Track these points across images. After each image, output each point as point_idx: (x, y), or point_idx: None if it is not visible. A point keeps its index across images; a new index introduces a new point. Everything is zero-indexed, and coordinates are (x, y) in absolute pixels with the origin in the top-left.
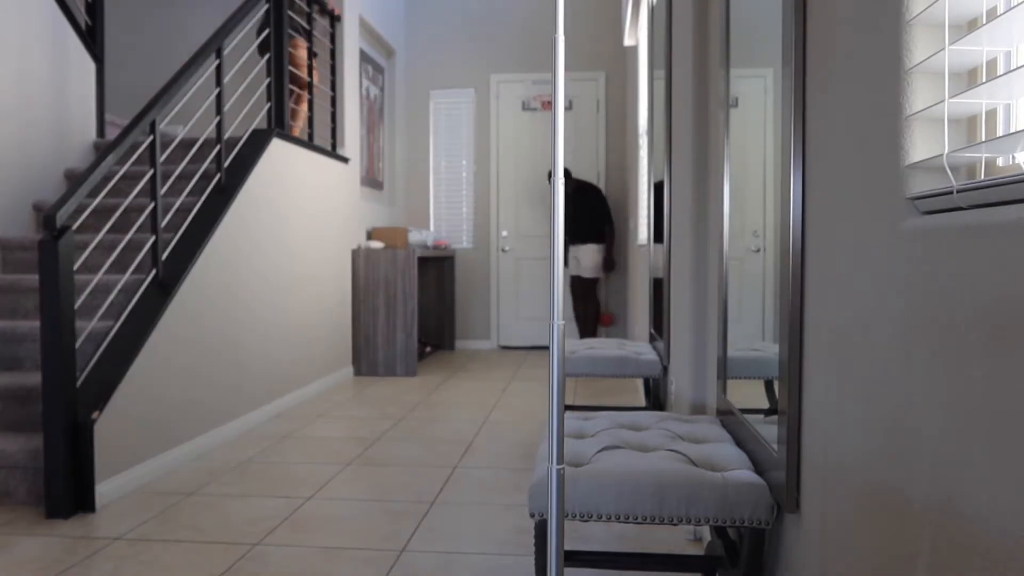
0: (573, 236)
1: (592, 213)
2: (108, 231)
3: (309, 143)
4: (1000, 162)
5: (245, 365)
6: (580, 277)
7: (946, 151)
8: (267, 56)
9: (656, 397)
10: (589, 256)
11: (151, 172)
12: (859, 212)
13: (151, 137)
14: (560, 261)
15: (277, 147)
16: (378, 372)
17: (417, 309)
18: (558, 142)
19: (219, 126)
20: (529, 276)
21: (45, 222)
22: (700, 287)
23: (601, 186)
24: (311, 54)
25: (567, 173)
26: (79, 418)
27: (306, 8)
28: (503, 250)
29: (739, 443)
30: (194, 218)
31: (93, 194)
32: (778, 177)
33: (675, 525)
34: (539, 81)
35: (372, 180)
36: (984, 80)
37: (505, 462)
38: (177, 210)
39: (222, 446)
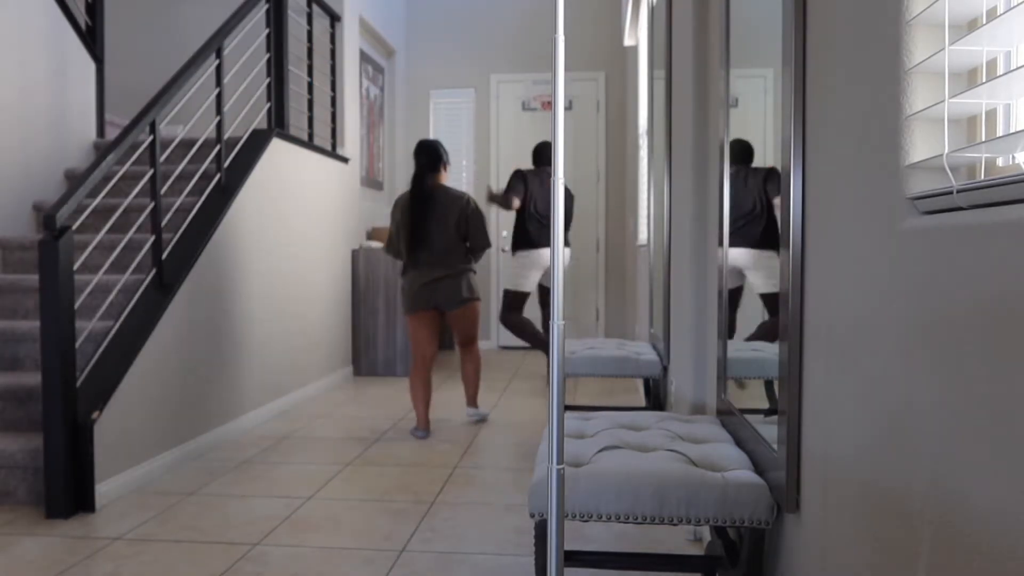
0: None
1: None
2: (108, 231)
3: (309, 143)
4: (1000, 162)
5: (245, 365)
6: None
7: (946, 151)
8: (267, 56)
9: (656, 397)
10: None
11: (151, 172)
12: (859, 212)
13: (151, 137)
14: (560, 261)
15: (277, 147)
16: (378, 372)
17: None
18: (558, 142)
19: (219, 126)
20: None
21: (45, 222)
22: (700, 287)
23: (601, 186)
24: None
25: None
26: (79, 418)
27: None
28: (503, 250)
29: (739, 443)
30: (194, 218)
31: (93, 194)
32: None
33: (675, 525)
34: (539, 81)
35: (372, 180)
36: (984, 80)
37: (505, 462)
38: (177, 210)
39: (222, 446)
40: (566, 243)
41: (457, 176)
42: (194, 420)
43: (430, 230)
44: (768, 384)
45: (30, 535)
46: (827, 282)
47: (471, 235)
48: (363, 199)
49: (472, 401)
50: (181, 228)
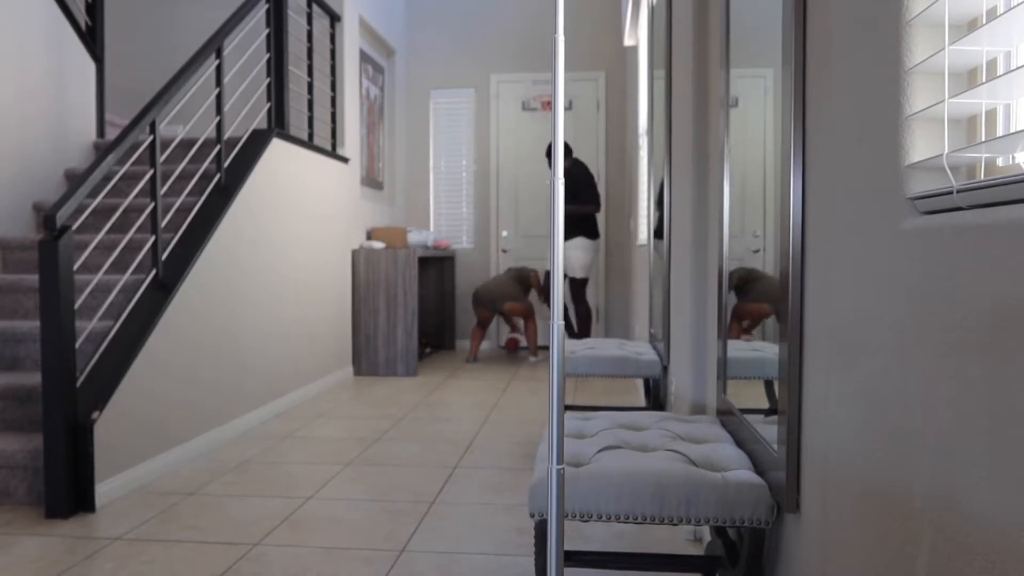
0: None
1: (575, 200)
2: (108, 231)
3: (309, 143)
4: (1000, 162)
5: (245, 365)
6: (569, 278)
7: (946, 151)
8: (267, 56)
9: (656, 397)
10: (577, 253)
11: (151, 172)
12: (859, 212)
13: (151, 137)
14: (560, 261)
15: (277, 147)
16: (378, 372)
17: (417, 309)
18: (558, 142)
19: (219, 126)
20: None
21: (45, 222)
22: (700, 287)
23: (601, 186)
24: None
25: (567, 150)
26: (79, 418)
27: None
28: (503, 250)
29: (739, 443)
30: (194, 218)
31: (93, 194)
32: (778, 177)
33: (675, 525)
34: (539, 81)
35: (372, 180)
36: (984, 80)
37: (505, 462)
38: (177, 210)
39: (222, 446)
40: (595, 234)
41: (457, 177)
42: (194, 420)
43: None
44: (768, 384)
45: (30, 535)
46: (827, 282)
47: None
48: (363, 199)
49: (533, 352)
50: (181, 228)
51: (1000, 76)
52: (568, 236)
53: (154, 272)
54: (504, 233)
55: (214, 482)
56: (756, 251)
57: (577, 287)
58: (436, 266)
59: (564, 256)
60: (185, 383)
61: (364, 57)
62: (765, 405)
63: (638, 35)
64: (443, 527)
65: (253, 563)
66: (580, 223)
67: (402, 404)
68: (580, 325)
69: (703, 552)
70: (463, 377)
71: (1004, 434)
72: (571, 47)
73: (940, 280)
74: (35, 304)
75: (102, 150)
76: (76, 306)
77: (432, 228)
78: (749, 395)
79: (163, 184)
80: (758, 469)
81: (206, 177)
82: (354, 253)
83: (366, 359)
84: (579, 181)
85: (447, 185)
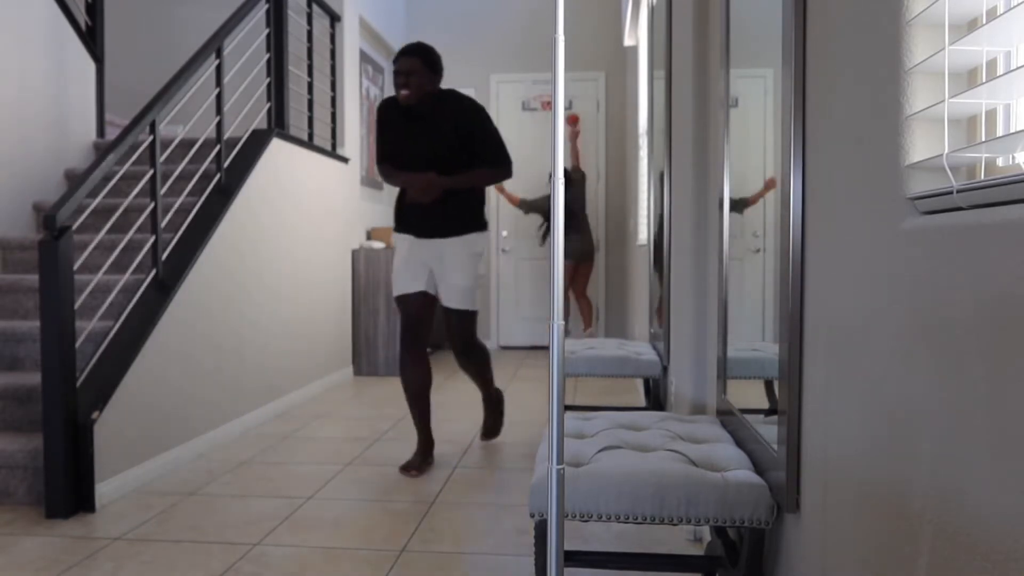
0: (433, 226)
1: (479, 162)
2: (108, 231)
3: (309, 143)
4: (1000, 162)
5: (245, 365)
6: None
7: (946, 151)
8: (267, 56)
9: (656, 397)
10: (464, 261)
11: (151, 172)
12: (859, 212)
13: (151, 137)
14: (560, 261)
15: (277, 147)
16: (378, 372)
17: None
18: (558, 142)
19: (219, 126)
20: (529, 276)
21: (45, 222)
22: (700, 287)
23: (601, 186)
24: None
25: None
26: (79, 418)
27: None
28: (503, 250)
29: (739, 443)
30: (194, 218)
31: (93, 194)
32: (778, 176)
33: (675, 525)
34: (539, 81)
35: (372, 180)
36: (984, 80)
37: (505, 462)
38: (177, 210)
39: (222, 446)
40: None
41: None
42: (194, 420)
43: None
44: (768, 384)
45: (30, 535)
46: (827, 282)
47: None
48: (363, 199)
49: (589, 324)
50: (181, 228)
51: (1000, 76)
52: (448, 231)
53: (154, 272)
54: (504, 233)
55: (214, 482)
56: (756, 251)
57: (465, 323)
58: None
59: (447, 270)
60: (185, 383)
61: (364, 57)
62: (765, 405)
63: (638, 35)
64: (443, 527)
65: (253, 563)
66: (470, 204)
67: (402, 404)
68: (483, 388)
69: (703, 552)
70: (463, 377)
71: (1004, 434)
72: (571, 47)
73: (940, 280)
74: (35, 304)
75: (102, 150)
76: (76, 306)
77: None
78: (749, 395)
79: (163, 184)
80: (758, 469)
81: (206, 177)
82: (354, 253)
83: (366, 359)
84: (483, 128)
85: None
